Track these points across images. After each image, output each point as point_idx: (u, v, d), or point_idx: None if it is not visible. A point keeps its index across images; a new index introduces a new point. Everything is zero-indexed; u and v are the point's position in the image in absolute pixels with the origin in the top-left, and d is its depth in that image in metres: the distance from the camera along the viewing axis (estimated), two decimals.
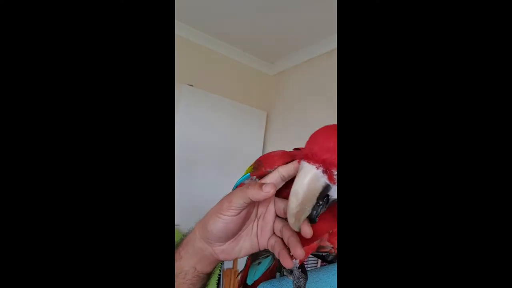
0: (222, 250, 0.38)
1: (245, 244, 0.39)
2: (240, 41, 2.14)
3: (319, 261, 1.10)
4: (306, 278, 0.49)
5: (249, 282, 0.54)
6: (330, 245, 0.49)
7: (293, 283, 0.48)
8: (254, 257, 0.54)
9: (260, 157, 0.49)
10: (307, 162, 0.32)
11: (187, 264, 0.38)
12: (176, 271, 0.37)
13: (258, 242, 0.40)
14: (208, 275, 0.40)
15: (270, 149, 2.27)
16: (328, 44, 1.91)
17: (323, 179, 0.32)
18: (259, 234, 0.39)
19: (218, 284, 1.80)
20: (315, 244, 0.49)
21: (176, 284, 0.37)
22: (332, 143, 0.31)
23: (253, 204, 0.37)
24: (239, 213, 0.35)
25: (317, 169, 0.32)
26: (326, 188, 0.33)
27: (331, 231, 0.47)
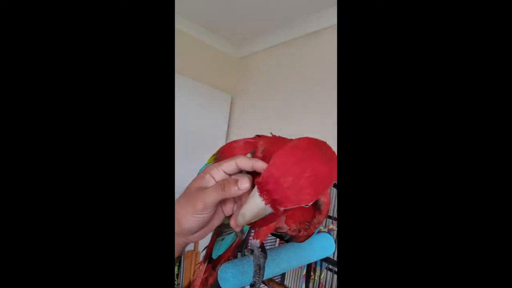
0: (195, 236, 0.39)
1: (215, 222, 0.40)
2: (207, 21, 2.06)
3: (277, 240, 1.16)
4: (265, 257, 0.52)
5: (214, 256, 0.56)
6: (286, 227, 0.53)
7: (253, 262, 0.50)
8: (218, 234, 0.56)
9: (222, 147, 0.49)
10: (259, 194, 0.32)
11: None
12: None
13: (223, 213, 0.41)
14: (178, 258, 0.42)
15: (234, 132, 2.26)
16: (294, 30, 1.93)
17: (269, 209, 0.33)
18: (223, 207, 0.41)
19: (179, 267, 1.81)
20: (273, 225, 0.52)
21: None
22: (289, 180, 0.31)
23: None
24: (212, 210, 0.36)
25: (265, 204, 0.32)
26: (272, 215, 0.34)
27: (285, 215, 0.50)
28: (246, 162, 0.36)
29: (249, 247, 0.52)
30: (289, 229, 0.51)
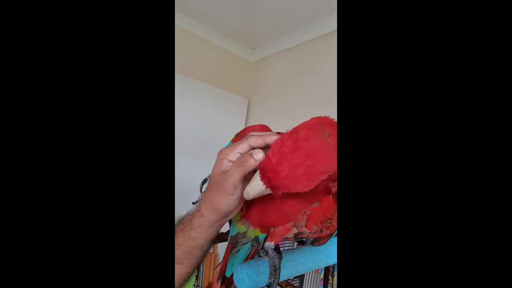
0: (233, 214, 0.44)
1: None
2: (222, 25, 2.09)
3: (296, 243, 1.15)
4: (280, 258, 0.52)
5: (228, 274, 0.54)
6: (307, 231, 0.51)
7: (268, 263, 0.50)
8: (233, 245, 0.55)
9: (240, 131, 0.51)
10: (260, 178, 0.35)
11: (203, 240, 0.43)
12: (191, 248, 0.42)
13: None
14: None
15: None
16: (311, 32, 1.92)
17: (268, 191, 0.35)
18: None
19: (198, 268, 1.83)
20: (289, 226, 0.51)
21: (194, 257, 0.43)
22: (286, 168, 0.32)
23: None
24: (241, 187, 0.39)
25: (266, 188, 0.35)
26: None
27: (305, 214, 0.49)
28: (257, 140, 0.38)
29: (264, 249, 0.52)
30: (310, 232, 0.51)
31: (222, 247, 2.01)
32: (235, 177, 0.37)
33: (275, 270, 0.49)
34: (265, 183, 0.34)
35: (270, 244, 0.51)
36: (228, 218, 0.43)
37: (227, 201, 0.39)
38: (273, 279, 0.48)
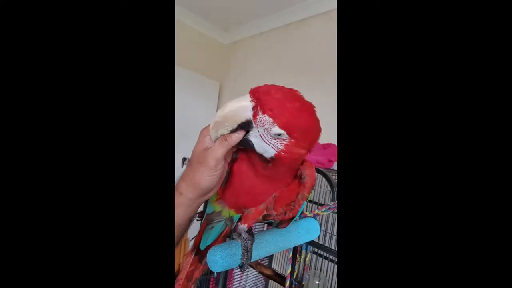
0: (212, 192, 0.44)
1: (223, 173, 0.44)
2: (195, 6, 2.00)
3: (265, 225, 1.19)
4: (253, 240, 0.54)
5: (202, 247, 0.57)
6: (274, 213, 0.54)
7: (241, 244, 0.52)
8: (208, 222, 0.57)
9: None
10: (250, 95, 0.38)
11: (180, 219, 0.42)
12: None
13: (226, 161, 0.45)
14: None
15: None
16: (285, 17, 1.91)
17: (249, 114, 0.38)
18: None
19: None
20: (261, 209, 0.53)
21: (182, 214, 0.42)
22: (279, 95, 0.37)
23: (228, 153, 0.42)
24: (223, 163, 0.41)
25: (250, 102, 0.38)
26: (247, 123, 0.39)
27: (274, 195, 0.52)
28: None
29: (237, 231, 0.54)
30: (276, 213, 0.54)
31: (192, 232, 2.02)
32: (219, 152, 0.39)
33: (247, 251, 0.51)
34: (253, 101, 0.37)
35: (243, 227, 0.54)
36: (206, 197, 0.44)
37: (208, 177, 0.40)
38: (245, 259, 0.51)
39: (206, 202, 0.57)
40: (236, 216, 0.55)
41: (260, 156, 0.42)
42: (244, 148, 0.43)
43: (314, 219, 0.79)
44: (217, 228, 0.56)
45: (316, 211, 0.83)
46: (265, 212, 0.54)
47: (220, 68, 2.34)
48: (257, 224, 1.27)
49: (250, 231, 0.56)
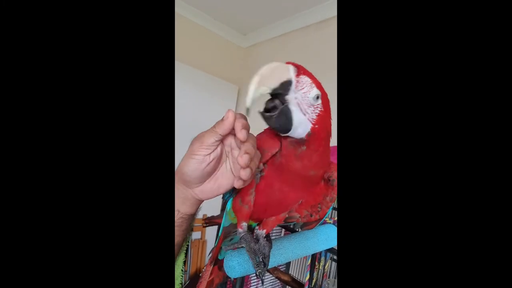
0: (201, 190, 0.41)
1: (223, 181, 0.41)
2: (214, 10, 2.03)
3: (283, 231, 1.17)
4: (270, 247, 0.53)
5: (221, 257, 0.56)
6: (297, 215, 0.53)
7: (259, 251, 0.51)
8: (226, 234, 0.57)
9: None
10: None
11: (177, 215, 0.40)
12: None
13: (234, 176, 0.41)
14: (192, 216, 0.43)
15: None
16: (303, 20, 1.89)
17: (292, 74, 0.38)
18: (233, 169, 0.42)
19: (186, 254, 1.85)
20: (282, 216, 0.52)
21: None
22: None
23: (221, 144, 0.40)
24: (210, 152, 0.38)
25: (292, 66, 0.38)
26: (288, 83, 0.37)
27: (300, 201, 0.50)
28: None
29: (254, 237, 0.53)
30: (300, 216, 0.53)
31: (210, 232, 2.04)
32: (208, 137, 0.37)
33: (265, 258, 0.50)
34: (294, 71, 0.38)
35: (262, 232, 0.52)
36: (188, 192, 0.40)
37: (190, 159, 0.37)
38: (262, 267, 0.49)
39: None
40: (255, 224, 0.54)
41: (294, 143, 0.41)
42: (275, 147, 0.43)
43: (334, 226, 0.76)
44: (236, 239, 0.55)
45: (336, 218, 0.80)
46: (287, 216, 0.53)
47: (239, 71, 2.36)
48: (275, 230, 1.26)
49: (268, 237, 0.55)
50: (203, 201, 0.43)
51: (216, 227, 1.46)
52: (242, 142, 0.37)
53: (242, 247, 0.51)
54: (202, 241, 2.04)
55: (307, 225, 0.56)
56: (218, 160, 0.40)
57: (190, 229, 0.44)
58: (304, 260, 1.26)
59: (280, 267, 1.28)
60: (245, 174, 0.36)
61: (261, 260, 0.49)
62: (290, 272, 1.37)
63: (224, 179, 0.41)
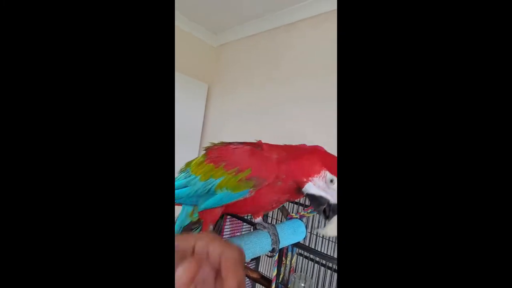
0: None
1: None
2: (185, 8, 1.99)
3: (252, 228, 1.19)
4: (274, 226, 0.69)
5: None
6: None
7: (269, 233, 0.66)
8: (186, 231, 0.65)
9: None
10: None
11: None
12: None
13: None
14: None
15: (210, 123, 2.24)
16: (273, 21, 1.93)
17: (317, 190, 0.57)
18: None
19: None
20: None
21: None
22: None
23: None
24: None
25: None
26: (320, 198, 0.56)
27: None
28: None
29: (258, 224, 0.68)
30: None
31: None
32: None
33: (275, 236, 0.66)
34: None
35: (259, 219, 0.67)
36: None
37: None
38: (276, 245, 0.64)
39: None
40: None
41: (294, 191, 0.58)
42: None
43: (300, 221, 0.79)
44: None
45: (303, 212, 0.84)
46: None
47: (208, 70, 2.34)
48: (244, 226, 1.27)
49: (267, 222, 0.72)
50: None
51: None
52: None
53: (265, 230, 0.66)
54: None
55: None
56: None
57: None
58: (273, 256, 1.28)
59: (249, 265, 1.29)
60: None
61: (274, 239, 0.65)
62: (259, 270, 1.39)
63: None
